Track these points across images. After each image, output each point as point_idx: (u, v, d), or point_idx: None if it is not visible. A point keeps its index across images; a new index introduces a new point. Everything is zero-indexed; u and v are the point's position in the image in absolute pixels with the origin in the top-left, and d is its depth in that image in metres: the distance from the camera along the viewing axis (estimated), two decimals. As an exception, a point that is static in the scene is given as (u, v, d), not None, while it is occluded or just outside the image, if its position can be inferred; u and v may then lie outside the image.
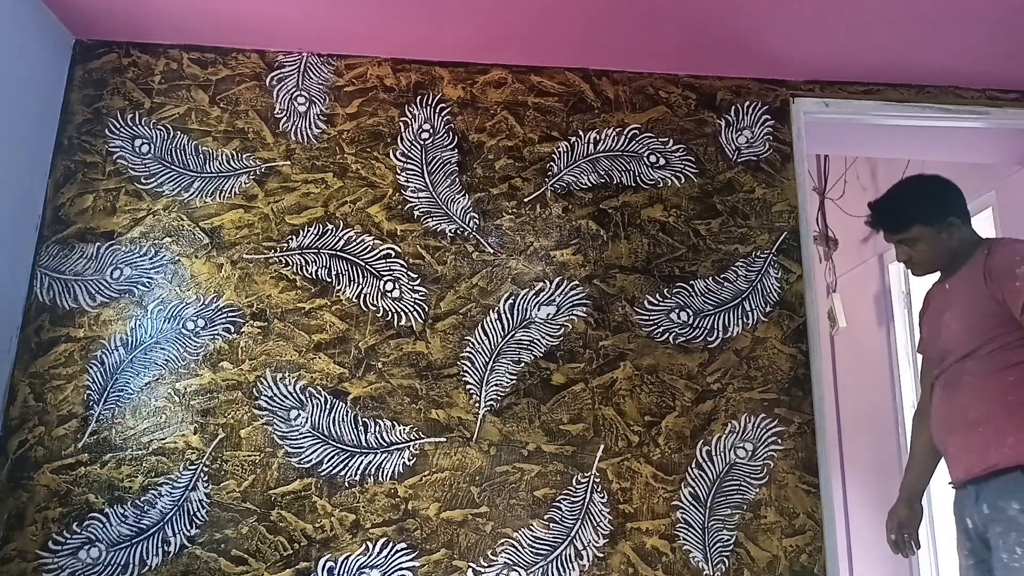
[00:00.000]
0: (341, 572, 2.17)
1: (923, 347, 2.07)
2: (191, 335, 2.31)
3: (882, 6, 2.25)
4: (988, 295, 1.79)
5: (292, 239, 2.40)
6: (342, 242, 2.41)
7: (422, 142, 2.50)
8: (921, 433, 2.06)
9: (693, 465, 2.29)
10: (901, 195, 2.02)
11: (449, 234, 2.44)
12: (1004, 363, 1.77)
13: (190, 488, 2.19)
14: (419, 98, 2.53)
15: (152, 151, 2.44)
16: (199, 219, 2.40)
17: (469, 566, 2.19)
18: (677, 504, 2.26)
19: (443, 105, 2.53)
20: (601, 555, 2.22)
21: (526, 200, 2.48)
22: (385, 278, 2.39)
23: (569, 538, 2.23)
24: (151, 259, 2.36)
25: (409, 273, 2.39)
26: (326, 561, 2.17)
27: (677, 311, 2.42)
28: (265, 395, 2.28)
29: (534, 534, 2.23)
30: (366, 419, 2.28)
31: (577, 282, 2.42)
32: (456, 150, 2.50)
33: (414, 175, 2.47)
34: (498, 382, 2.33)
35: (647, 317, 2.41)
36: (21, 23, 2.26)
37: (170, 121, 2.47)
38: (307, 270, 2.38)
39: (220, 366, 2.29)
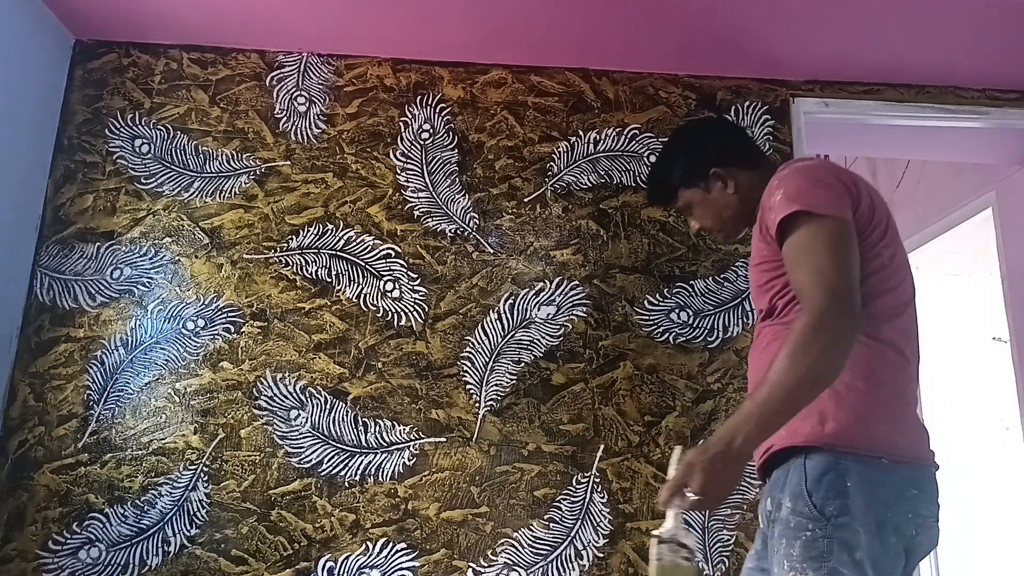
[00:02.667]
0: (341, 572, 2.17)
1: None
2: (191, 335, 2.31)
3: (882, 6, 2.25)
4: (760, 236, 1.45)
5: (292, 239, 2.40)
6: (342, 242, 2.41)
7: (422, 142, 2.50)
8: None
9: (693, 465, 2.29)
10: (655, 166, 1.71)
11: (449, 234, 2.44)
12: None
13: (190, 488, 2.19)
14: (419, 98, 2.53)
15: (152, 151, 2.44)
16: (199, 219, 2.40)
17: (469, 566, 2.19)
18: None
19: (443, 105, 2.53)
20: (601, 555, 2.22)
21: (526, 200, 2.48)
22: (385, 278, 2.39)
23: (569, 538, 2.23)
24: (151, 259, 2.36)
25: (409, 273, 2.39)
26: (326, 561, 2.17)
27: (677, 311, 2.42)
28: (265, 395, 2.28)
29: (534, 534, 2.23)
30: (366, 419, 2.28)
31: (577, 282, 2.42)
32: (456, 150, 2.50)
33: (414, 175, 2.47)
34: (498, 382, 2.33)
35: (647, 317, 2.41)
36: (21, 23, 2.26)
37: (170, 121, 2.47)
38: (307, 270, 2.38)
39: (220, 366, 2.29)
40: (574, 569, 2.21)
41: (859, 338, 1.32)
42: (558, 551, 2.22)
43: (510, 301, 2.39)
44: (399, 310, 2.37)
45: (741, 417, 1.24)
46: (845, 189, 1.38)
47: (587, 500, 2.25)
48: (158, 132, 2.46)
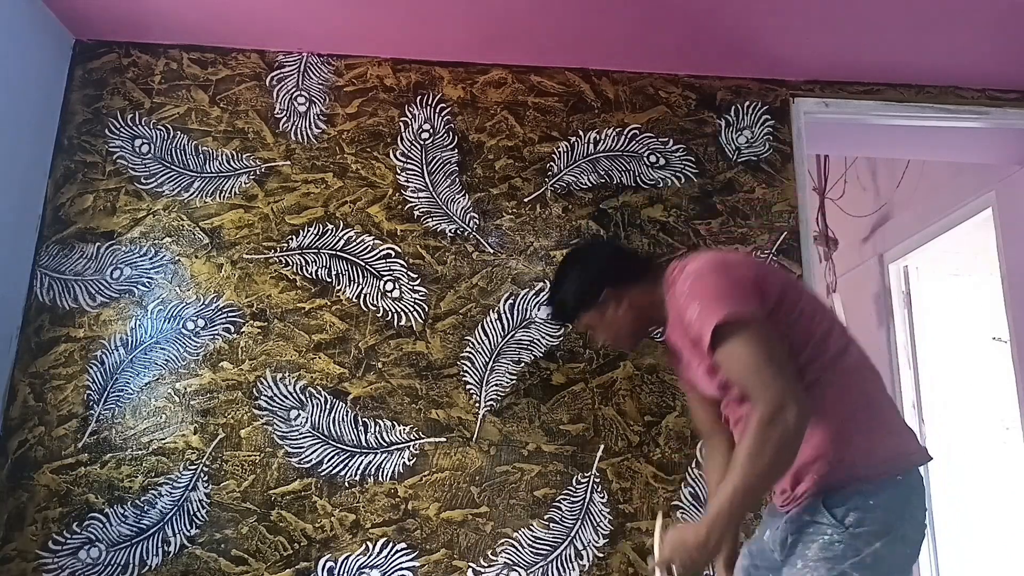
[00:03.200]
0: (341, 572, 2.17)
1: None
2: (191, 335, 2.31)
3: (882, 6, 2.25)
4: (694, 346, 1.52)
5: (292, 239, 2.40)
6: (342, 242, 2.41)
7: (422, 142, 2.50)
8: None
9: (693, 465, 2.29)
10: (552, 292, 1.78)
11: (449, 234, 2.44)
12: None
13: (190, 488, 2.19)
14: (419, 98, 2.53)
15: (152, 151, 2.44)
16: (199, 219, 2.40)
17: (469, 566, 2.19)
18: (677, 504, 2.26)
19: (443, 105, 2.53)
20: (601, 555, 2.22)
21: (526, 200, 2.48)
22: (385, 278, 2.39)
23: (569, 538, 2.23)
24: (151, 259, 2.36)
25: (409, 273, 2.39)
26: (326, 561, 2.17)
27: (677, 311, 2.42)
28: (265, 395, 2.28)
29: (534, 534, 2.23)
30: (366, 419, 2.28)
31: (577, 282, 2.41)
32: (456, 150, 2.50)
33: (414, 175, 2.47)
34: (498, 382, 2.33)
35: (647, 317, 2.41)
36: (21, 23, 2.26)
37: (170, 121, 2.47)
38: (307, 270, 2.38)
39: (220, 366, 2.29)
40: (574, 569, 2.21)
41: (838, 376, 1.48)
42: (558, 551, 2.22)
43: (510, 301, 2.39)
44: (399, 310, 2.37)
45: (712, 516, 1.38)
46: (746, 285, 1.48)
47: (587, 500, 2.25)
48: (158, 132, 2.46)
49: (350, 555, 2.18)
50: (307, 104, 2.51)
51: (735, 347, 1.41)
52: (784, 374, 1.39)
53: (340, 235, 2.41)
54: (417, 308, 2.37)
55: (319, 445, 2.25)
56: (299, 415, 2.27)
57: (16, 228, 2.28)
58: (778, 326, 1.45)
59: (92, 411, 2.24)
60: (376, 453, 2.26)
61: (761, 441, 1.35)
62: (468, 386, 2.32)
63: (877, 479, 1.42)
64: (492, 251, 2.43)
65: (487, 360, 2.34)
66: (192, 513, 2.18)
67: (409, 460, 2.26)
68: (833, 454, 1.44)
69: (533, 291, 2.40)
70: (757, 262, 1.54)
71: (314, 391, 2.29)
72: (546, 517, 2.24)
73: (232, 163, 2.45)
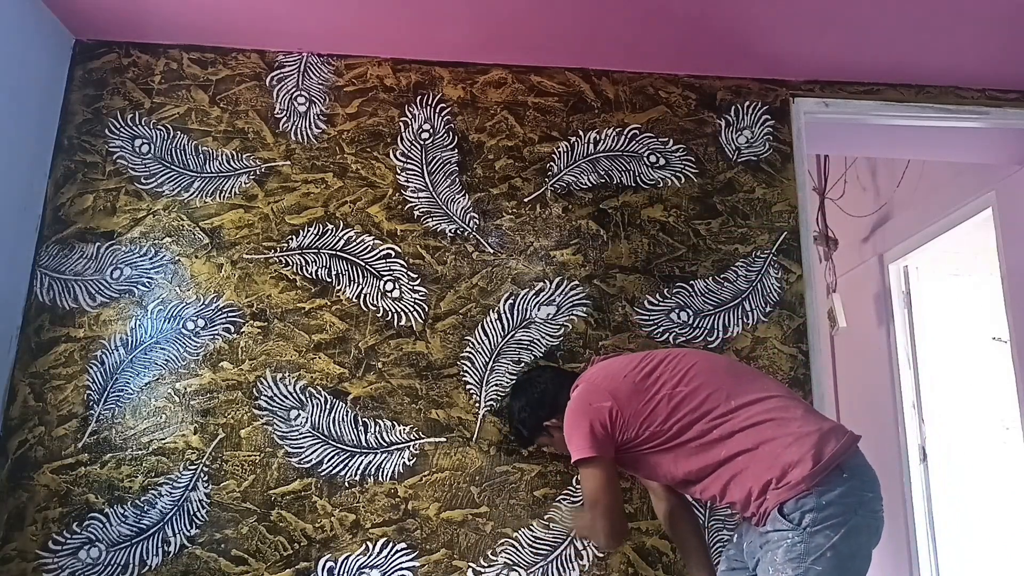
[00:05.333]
0: (341, 572, 2.17)
1: None
2: (191, 335, 2.31)
3: (882, 6, 2.25)
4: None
5: (292, 239, 2.40)
6: (342, 242, 2.41)
7: (422, 142, 2.50)
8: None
9: (693, 465, 2.29)
10: (508, 423, 2.21)
11: (449, 234, 2.44)
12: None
13: (190, 488, 2.19)
14: (419, 98, 2.53)
15: (152, 151, 2.44)
16: (199, 219, 2.40)
17: (469, 566, 2.19)
18: (677, 504, 2.26)
19: (443, 105, 2.53)
20: (601, 555, 2.22)
21: (526, 200, 2.48)
22: (385, 278, 2.39)
23: (569, 538, 2.23)
24: (151, 259, 2.36)
25: (409, 273, 2.39)
26: (326, 561, 2.17)
27: (677, 311, 2.42)
28: (265, 395, 2.28)
29: (534, 534, 2.23)
30: (366, 419, 2.28)
31: (577, 282, 2.42)
32: (456, 150, 2.50)
33: (414, 175, 2.47)
34: (498, 382, 2.33)
35: (647, 317, 2.41)
36: (21, 23, 2.26)
37: (170, 121, 2.47)
38: (307, 270, 2.38)
39: (220, 366, 2.29)
40: (574, 569, 2.21)
41: (737, 420, 1.71)
42: (558, 551, 2.22)
43: (510, 301, 2.39)
44: (399, 310, 2.37)
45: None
46: (597, 423, 1.79)
47: (587, 500, 2.25)
48: (158, 132, 2.46)
49: (350, 555, 2.18)
50: (307, 104, 2.51)
51: (585, 476, 1.83)
52: (616, 508, 1.79)
53: (340, 235, 2.41)
54: (417, 308, 2.37)
55: (319, 445, 2.25)
56: (299, 415, 2.27)
57: (16, 228, 2.28)
58: (650, 419, 1.78)
59: (92, 411, 2.24)
60: (376, 453, 2.26)
61: (596, 532, 1.82)
62: (468, 386, 2.32)
63: (823, 483, 1.59)
64: (492, 251, 2.43)
65: (487, 360, 2.34)
66: (192, 513, 2.18)
67: (409, 460, 2.26)
68: (774, 480, 1.62)
69: (533, 291, 2.40)
70: (621, 382, 1.83)
71: (314, 391, 2.29)
72: (546, 517, 2.24)
73: (232, 163, 2.45)
